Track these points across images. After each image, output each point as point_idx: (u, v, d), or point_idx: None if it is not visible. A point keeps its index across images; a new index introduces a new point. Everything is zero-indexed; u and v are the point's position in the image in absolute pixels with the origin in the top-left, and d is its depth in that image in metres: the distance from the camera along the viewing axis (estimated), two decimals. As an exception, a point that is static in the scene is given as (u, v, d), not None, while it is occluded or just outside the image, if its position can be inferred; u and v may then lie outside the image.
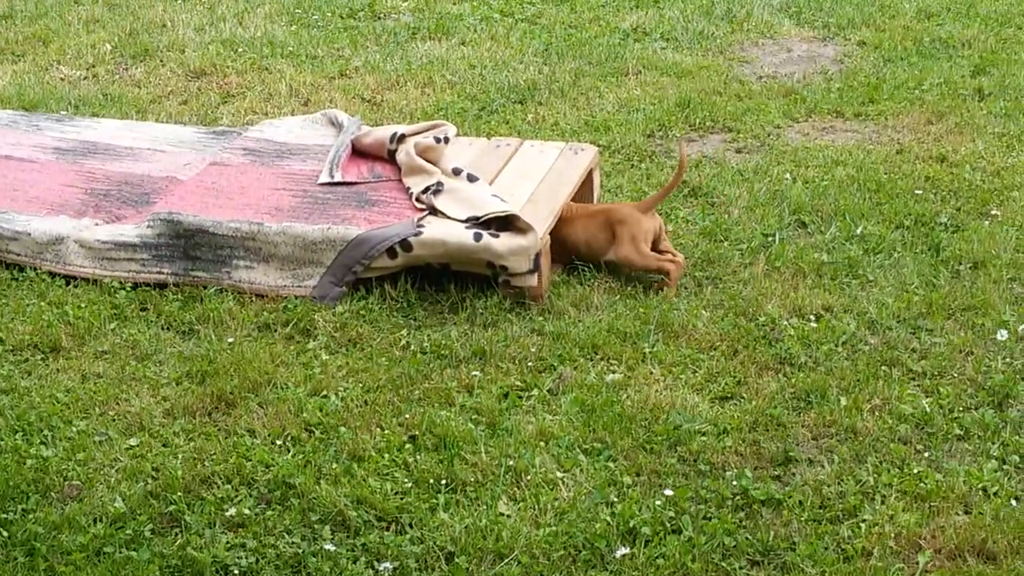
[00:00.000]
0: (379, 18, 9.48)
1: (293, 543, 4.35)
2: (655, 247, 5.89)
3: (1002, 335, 5.37)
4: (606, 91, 7.94)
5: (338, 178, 6.31)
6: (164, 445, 4.87)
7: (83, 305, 5.76)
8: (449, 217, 5.86)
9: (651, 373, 5.22)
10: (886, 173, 6.77)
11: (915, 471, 4.61)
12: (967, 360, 5.25)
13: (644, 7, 9.43)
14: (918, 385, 5.11)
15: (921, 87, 7.83)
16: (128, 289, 5.89)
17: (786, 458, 4.71)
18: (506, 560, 4.26)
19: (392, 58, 8.60)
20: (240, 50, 8.80)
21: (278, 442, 4.85)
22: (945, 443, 4.76)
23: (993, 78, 7.97)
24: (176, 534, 4.42)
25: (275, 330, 5.58)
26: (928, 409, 4.92)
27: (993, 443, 4.75)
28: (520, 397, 5.10)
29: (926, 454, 4.71)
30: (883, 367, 5.20)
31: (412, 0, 9.78)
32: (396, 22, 9.35)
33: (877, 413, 4.92)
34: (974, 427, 4.83)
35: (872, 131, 7.36)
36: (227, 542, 4.35)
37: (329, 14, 9.51)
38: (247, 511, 4.49)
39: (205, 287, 5.87)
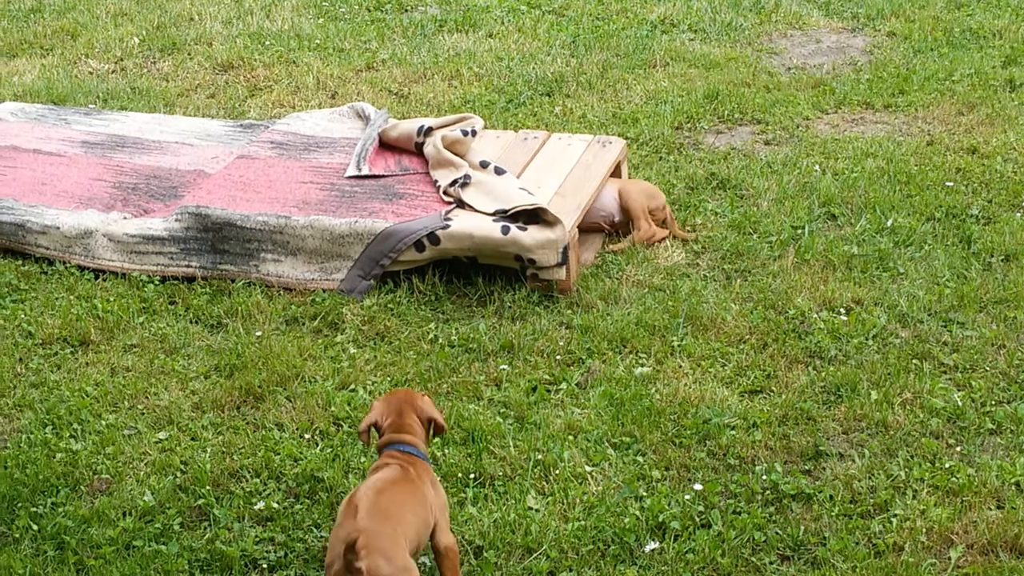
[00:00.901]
0: (406, 10, 9.46)
1: (322, 537, 4.35)
2: None
3: (1034, 328, 5.34)
4: (634, 83, 7.90)
5: (365, 171, 6.30)
6: (193, 439, 4.87)
7: (112, 299, 5.77)
8: (477, 210, 5.85)
9: (680, 367, 5.19)
10: (916, 165, 6.72)
11: (947, 465, 4.57)
12: (999, 353, 5.21)
13: (672, -2, 9.39)
14: (950, 379, 5.07)
15: (951, 78, 7.77)
16: (156, 283, 5.90)
17: (816, 452, 4.68)
18: (535, 554, 4.25)
19: (419, 51, 8.58)
20: (267, 43, 8.80)
21: (306, 436, 4.85)
22: (977, 437, 4.73)
23: (1024, 68, 7.91)
24: (205, 528, 4.43)
25: (303, 323, 5.57)
26: (960, 403, 4.88)
27: (1026, 437, 4.71)
28: (548, 391, 5.08)
29: (958, 448, 4.68)
30: (914, 360, 5.16)
31: (439, -8, 9.77)
32: (423, 15, 9.33)
33: (908, 407, 4.88)
34: (1007, 421, 4.79)
35: (902, 122, 7.31)
36: (256, 536, 4.36)
37: (356, 7, 9.50)
38: (276, 505, 4.49)
39: (233, 280, 5.87)
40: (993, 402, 4.91)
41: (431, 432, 4.25)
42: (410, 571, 3.79)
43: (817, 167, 6.73)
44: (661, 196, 6.20)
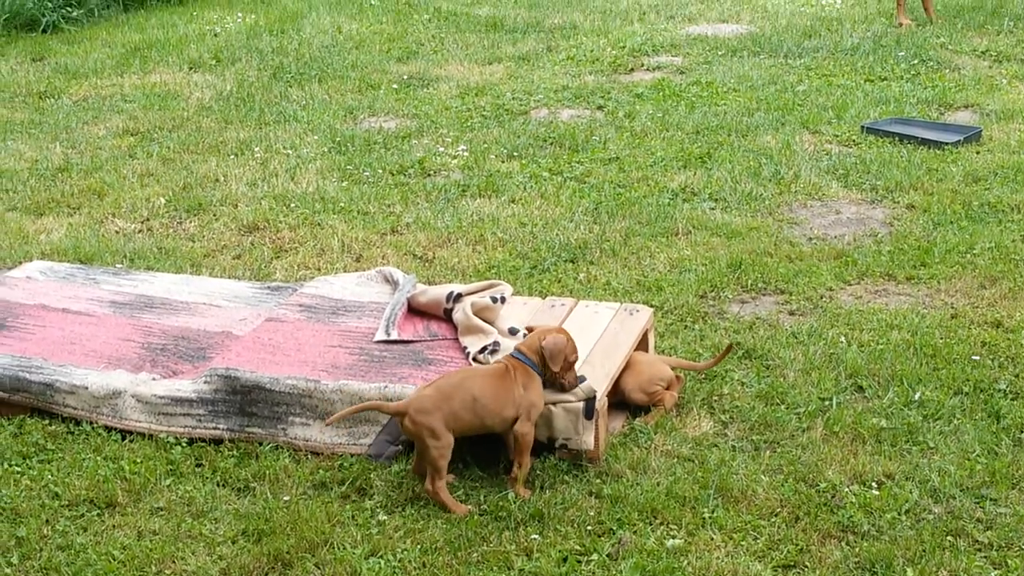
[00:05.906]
0: (429, 175, 9.58)
1: None
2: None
3: (1068, 506, 5.30)
4: (657, 251, 7.97)
5: (394, 336, 6.33)
6: (220, 606, 4.82)
7: (139, 460, 5.75)
8: (506, 377, 5.85)
9: (712, 539, 5.15)
10: (941, 338, 6.73)
11: (987, 647, 4.51)
12: (1034, 531, 5.17)
13: (692, 167, 9.51)
14: (985, 557, 5.02)
15: (972, 251, 7.83)
16: (184, 444, 5.88)
17: (853, 631, 4.62)
18: None
19: (443, 215, 8.68)
20: (292, 205, 8.91)
21: (336, 605, 4.79)
22: (1016, 618, 4.67)
23: (1044, 243, 7.98)
24: None
25: (331, 489, 5.54)
26: (997, 582, 4.83)
27: (1065, 618, 4.65)
28: (579, 562, 5.03)
29: (997, 629, 4.62)
30: (948, 537, 5.12)
31: (461, 157, 9.90)
32: (446, 179, 9.45)
33: (945, 585, 4.83)
34: (1045, 601, 4.74)
35: (925, 295, 7.35)
36: None
37: (380, 170, 9.63)
38: (305, 677, 4.42)
39: (261, 444, 5.86)
40: (1030, 581, 4.87)
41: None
42: (436, 435, 5.22)
43: (842, 338, 6.75)
44: (665, 370, 6.18)
